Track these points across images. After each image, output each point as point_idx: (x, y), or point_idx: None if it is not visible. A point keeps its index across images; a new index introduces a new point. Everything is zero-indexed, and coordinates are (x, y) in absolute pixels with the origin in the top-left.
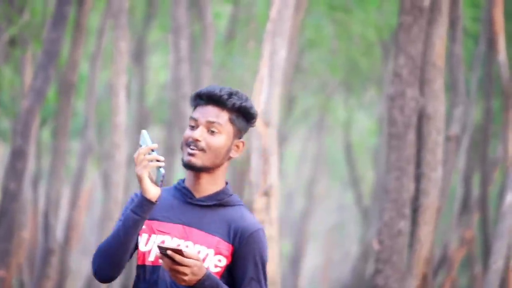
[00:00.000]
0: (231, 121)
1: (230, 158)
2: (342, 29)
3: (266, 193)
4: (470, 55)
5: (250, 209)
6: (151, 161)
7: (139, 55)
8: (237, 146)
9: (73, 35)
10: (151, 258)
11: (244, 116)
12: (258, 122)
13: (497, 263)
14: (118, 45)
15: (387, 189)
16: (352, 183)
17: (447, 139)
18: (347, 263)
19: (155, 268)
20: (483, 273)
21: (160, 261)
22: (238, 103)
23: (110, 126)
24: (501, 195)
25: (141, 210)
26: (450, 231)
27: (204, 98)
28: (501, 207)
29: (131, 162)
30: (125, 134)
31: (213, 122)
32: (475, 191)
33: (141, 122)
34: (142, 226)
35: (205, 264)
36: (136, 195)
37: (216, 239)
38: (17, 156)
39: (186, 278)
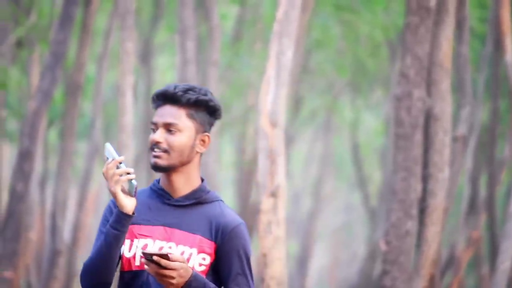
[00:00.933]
0: (189, 116)
1: (197, 153)
2: (349, 29)
3: (273, 194)
4: (477, 56)
5: (257, 209)
6: (121, 175)
7: (146, 56)
8: (203, 141)
9: (80, 36)
10: (136, 263)
11: (205, 109)
12: (265, 123)
13: (505, 263)
14: (125, 46)
15: (394, 190)
16: (359, 184)
17: (454, 139)
18: (354, 264)
19: (141, 272)
20: (491, 274)
21: (146, 267)
22: (193, 97)
23: (117, 127)
24: (508, 195)
25: (120, 225)
26: (457, 231)
27: (161, 98)
28: (508, 207)
29: (138, 162)
30: (132, 135)
31: (170, 123)
32: (482, 191)
33: (148, 122)
34: (123, 239)
35: (190, 264)
36: (112, 201)
37: (198, 238)
38: (24, 157)
39: (173, 281)
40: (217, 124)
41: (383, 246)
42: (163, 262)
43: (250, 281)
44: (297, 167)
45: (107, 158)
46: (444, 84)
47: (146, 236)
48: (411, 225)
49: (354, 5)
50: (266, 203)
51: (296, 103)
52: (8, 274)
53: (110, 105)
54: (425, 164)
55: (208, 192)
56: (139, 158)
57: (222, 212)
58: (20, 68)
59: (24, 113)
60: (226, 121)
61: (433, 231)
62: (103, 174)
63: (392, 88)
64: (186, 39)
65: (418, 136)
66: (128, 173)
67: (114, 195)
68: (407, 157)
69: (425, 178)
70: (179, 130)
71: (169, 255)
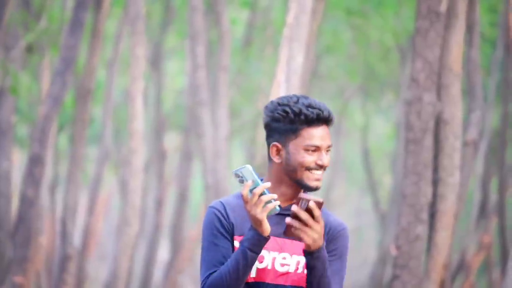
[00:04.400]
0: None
1: None
2: (359, 34)
3: None
4: (487, 60)
5: None
6: (268, 201)
7: (156, 61)
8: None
9: (90, 41)
10: (252, 275)
11: None
12: None
13: None
14: (135, 51)
15: (405, 194)
16: (370, 188)
17: (465, 144)
18: (364, 268)
19: (257, 284)
20: (501, 278)
21: (288, 220)
22: (334, 117)
23: (127, 132)
24: None
25: (260, 248)
26: (468, 236)
27: (316, 120)
28: None
29: (148, 168)
30: (142, 140)
31: (330, 146)
32: (493, 196)
33: (158, 128)
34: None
35: (299, 271)
36: (218, 210)
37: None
38: (35, 162)
39: (316, 236)
40: (228, 129)
41: (393, 251)
42: (317, 211)
43: (342, 283)
44: None
45: (243, 179)
46: (455, 88)
47: None
48: (422, 229)
49: (365, 10)
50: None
51: None
52: (18, 279)
53: (120, 110)
54: (436, 169)
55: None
56: (149, 163)
57: (328, 216)
58: (30, 73)
59: (34, 118)
60: (236, 126)
61: (443, 236)
62: (243, 196)
63: (403, 92)
64: (196, 44)
65: (429, 141)
66: (272, 200)
67: (260, 221)
68: (417, 162)
69: (436, 183)
70: (331, 150)
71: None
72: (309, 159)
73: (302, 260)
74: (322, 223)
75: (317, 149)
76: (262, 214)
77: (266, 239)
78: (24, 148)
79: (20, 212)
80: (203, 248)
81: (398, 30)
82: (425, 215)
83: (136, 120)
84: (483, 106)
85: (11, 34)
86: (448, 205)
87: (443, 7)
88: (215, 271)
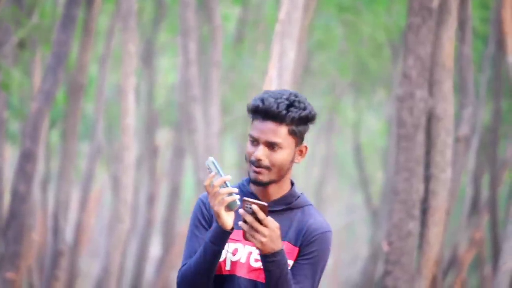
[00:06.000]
0: (291, 133)
1: (294, 162)
2: (351, 30)
3: None
4: (479, 56)
5: None
6: (226, 194)
7: (148, 57)
8: (301, 151)
9: (82, 37)
10: (227, 267)
11: (305, 122)
12: None
13: (507, 263)
14: (127, 47)
15: (396, 190)
16: (361, 184)
17: (456, 140)
18: (356, 264)
19: (231, 277)
20: (493, 274)
21: (240, 223)
22: (296, 115)
23: (119, 128)
24: (510, 195)
25: (221, 241)
26: (459, 232)
27: (262, 114)
28: (511, 207)
29: (140, 164)
30: (134, 136)
31: (273, 142)
32: (485, 192)
33: (150, 124)
34: (221, 252)
35: None
36: (202, 201)
37: (285, 244)
38: (26, 158)
39: (263, 240)
40: (220, 125)
41: (385, 247)
42: (261, 215)
43: (315, 283)
44: (299, 168)
45: (210, 171)
46: (446, 84)
47: (236, 241)
48: (413, 225)
49: (356, 6)
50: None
51: None
52: (10, 275)
53: (112, 106)
54: (427, 165)
55: (298, 196)
56: (141, 159)
57: (311, 217)
58: (22, 69)
59: (26, 114)
60: (228, 122)
61: (435, 232)
62: (206, 187)
63: (394, 88)
64: (188, 40)
65: (420, 137)
66: (232, 193)
67: (217, 214)
68: (409, 158)
69: (427, 179)
70: (281, 148)
71: (267, 207)
72: (249, 149)
73: None
74: (272, 226)
75: (255, 141)
76: (219, 206)
77: (226, 232)
78: (16, 144)
79: (12, 208)
80: (186, 238)
81: (390, 26)
82: (416, 211)
83: (128, 116)
84: (475, 102)
85: (2, 29)
86: (440, 201)
87: (435, 3)
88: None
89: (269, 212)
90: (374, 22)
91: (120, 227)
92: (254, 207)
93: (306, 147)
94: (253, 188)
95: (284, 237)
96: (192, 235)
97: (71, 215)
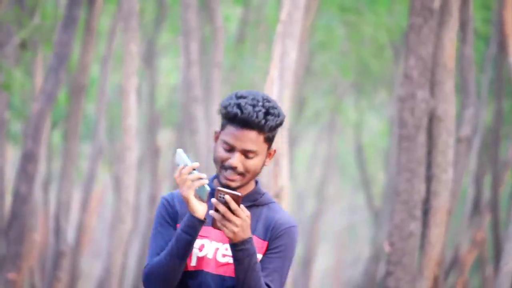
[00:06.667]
0: (266, 140)
1: (264, 165)
2: (353, 30)
3: (277, 195)
4: (480, 57)
5: None
6: (194, 180)
7: (149, 58)
8: (270, 154)
9: (83, 37)
10: (192, 263)
11: (277, 128)
12: None
13: (509, 264)
14: (128, 48)
15: (398, 191)
16: (363, 185)
17: (458, 140)
18: (358, 265)
19: (197, 272)
20: (495, 275)
21: (211, 212)
22: (274, 124)
23: (121, 128)
24: None
25: (193, 230)
26: (461, 232)
27: (240, 123)
28: None
29: (142, 164)
30: (136, 137)
31: (249, 150)
32: (486, 192)
33: (151, 124)
34: (194, 243)
35: None
36: (166, 199)
37: (254, 239)
38: (28, 159)
39: (235, 229)
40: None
41: (387, 247)
42: (233, 205)
43: (283, 282)
44: (301, 168)
45: (178, 164)
46: (448, 85)
47: (202, 237)
48: (415, 226)
49: (358, 7)
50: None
51: (300, 104)
52: (11, 275)
53: (114, 107)
54: (429, 165)
55: (263, 194)
56: (143, 159)
57: (277, 213)
58: (23, 70)
59: (27, 114)
60: None
61: (437, 232)
62: (176, 179)
63: (396, 89)
64: (189, 41)
65: (422, 137)
66: (201, 179)
67: (186, 200)
68: (410, 158)
69: (429, 179)
70: (256, 155)
71: (240, 196)
72: (222, 154)
73: None
74: (243, 216)
75: (231, 148)
76: (188, 192)
77: (199, 220)
78: (17, 145)
79: (14, 209)
80: (151, 237)
81: (391, 26)
82: (418, 212)
83: (129, 117)
84: (476, 102)
85: (4, 30)
86: (442, 202)
87: (436, 4)
88: None
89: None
90: (375, 22)
91: (122, 228)
92: (227, 197)
93: (275, 151)
94: (219, 185)
95: (253, 231)
96: (157, 233)
97: (72, 216)
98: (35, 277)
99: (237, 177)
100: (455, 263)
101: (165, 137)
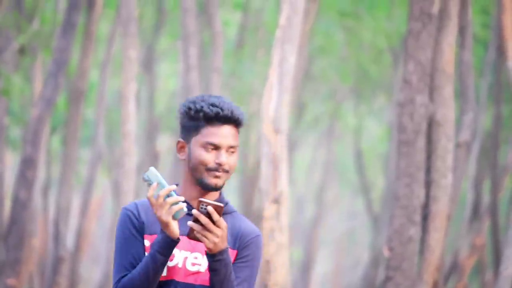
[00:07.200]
0: (238, 135)
1: None
2: (352, 36)
3: (276, 200)
4: (479, 62)
5: (260, 216)
6: (173, 203)
7: (148, 63)
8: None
9: (82, 43)
10: (163, 273)
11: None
12: (268, 129)
13: (508, 269)
14: (127, 53)
15: (397, 196)
16: (362, 190)
17: (457, 145)
18: (357, 270)
19: (168, 282)
20: (494, 280)
21: (190, 223)
22: (244, 118)
23: (120, 134)
24: (511, 201)
25: (169, 251)
26: (460, 237)
27: (221, 120)
28: None
29: (141, 170)
30: (135, 142)
31: (233, 146)
32: (486, 197)
33: (151, 129)
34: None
35: None
36: (129, 211)
37: None
38: (27, 164)
39: (216, 240)
40: None
41: (386, 252)
42: (216, 216)
43: (252, 285)
44: (300, 173)
45: (149, 181)
46: (447, 90)
47: None
48: (414, 231)
49: (357, 12)
50: (269, 209)
51: (299, 109)
52: (11, 281)
53: (113, 112)
54: (428, 170)
55: (227, 203)
56: (142, 165)
57: (242, 222)
58: (23, 75)
59: (27, 120)
60: None
61: (436, 237)
62: (149, 198)
63: (395, 94)
64: (188, 46)
65: (421, 142)
66: (178, 202)
67: (165, 223)
68: (410, 163)
69: (428, 184)
70: (236, 151)
71: (222, 207)
72: (208, 157)
73: None
74: (223, 226)
75: (216, 147)
76: (167, 216)
77: (175, 241)
78: (17, 150)
79: (13, 214)
80: (115, 251)
81: (390, 31)
82: (417, 217)
83: (128, 122)
84: (475, 107)
85: (3, 36)
86: (441, 207)
87: (435, 9)
88: (126, 275)
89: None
90: (374, 27)
91: None
92: (210, 208)
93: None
94: (185, 195)
95: None
96: (123, 247)
97: (72, 221)
98: (35, 282)
99: (223, 174)
100: (454, 268)
101: (164, 142)
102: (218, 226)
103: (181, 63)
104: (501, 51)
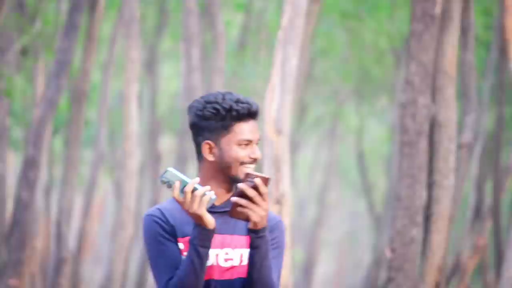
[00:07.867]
0: None
1: None
2: (354, 37)
3: (278, 201)
4: (482, 63)
5: None
6: (202, 195)
7: (150, 64)
8: None
9: (85, 44)
10: None
11: None
12: (270, 130)
13: (510, 270)
14: (129, 54)
15: (399, 197)
16: (364, 191)
17: (459, 146)
18: (359, 271)
19: (207, 283)
20: (496, 281)
21: (233, 198)
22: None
23: (122, 134)
24: None
25: (209, 242)
26: (462, 238)
27: (246, 114)
28: None
29: (143, 171)
30: (137, 143)
31: (259, 139)
32: (488, 198)
33: (152, 130)
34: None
35: (244, 263)
36: (156, 217)
37: (247, 238)
38: (30, 165)
39: (263, 214)
40: None
41: (388, 253)
42: (264, 188)
43: (280, 275)
44: (302, 175)
45: (170, 183)
46: (449, 91)
47: None
48: (416, 232)
49: (359, 13)
50: (271, 210)
51: (301, 111)
52: (13, 282)
53: (115, 113)
54: (430, 171)
55: None
56: (144, 166)
57: None
58: (25, 76)
59: (29, 121)
60: None
61: (438, 238)
62: (176, 198)
63: (397, 95)
64: (191, 47)
65: (423, 143)
66: (205, 192)
67: (199, 216)
68: (412, 164)
69: (430, 185)
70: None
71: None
72: (243, 153)
73: (245, 252)
74: (267, 197)
75: (249, 143)
76: (200, 209)
77: (213, 231)
78: (19, 151)
79: (15, 215)
80: (151, 258)
81: (392, 33)
82: (420, 218)
83: (131, 123)
84: (477, 108)
85: (5, 37)
86: (443, 208)
87: (437, 10)
88: (172, 277)
89: (222, 213)
90: (377, 29)
91: (123, 234)
92: (258, 180)
93: None
94: (215, 193)
95: (244, 232)
96: (160, 252)
97: (74, 222)
98: (37, 283)
99: (253, 165)
100: (456, 269)
101: (166, 143)
102: (264, 200)
103: (183, 64)
104: (503, 52)
